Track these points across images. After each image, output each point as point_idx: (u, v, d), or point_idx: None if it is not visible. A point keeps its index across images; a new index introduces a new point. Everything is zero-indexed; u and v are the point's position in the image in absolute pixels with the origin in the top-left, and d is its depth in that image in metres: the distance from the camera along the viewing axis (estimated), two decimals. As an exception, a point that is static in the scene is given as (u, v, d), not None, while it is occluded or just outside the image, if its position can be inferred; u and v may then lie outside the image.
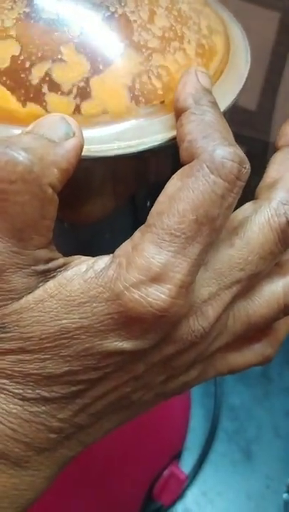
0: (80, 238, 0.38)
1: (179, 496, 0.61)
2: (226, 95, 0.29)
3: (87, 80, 0.27)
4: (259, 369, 0.68)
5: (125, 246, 0.25)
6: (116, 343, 0.25)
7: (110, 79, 0.27)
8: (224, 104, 0.29)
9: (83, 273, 0.25)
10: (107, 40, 0.27)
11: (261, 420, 0.66)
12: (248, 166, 0.25)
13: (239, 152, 0.25)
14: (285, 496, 0.62)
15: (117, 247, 0.26)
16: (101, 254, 0.26)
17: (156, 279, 0.24)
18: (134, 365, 0.26)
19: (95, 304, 0.25)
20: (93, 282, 0.25)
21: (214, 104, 0.27)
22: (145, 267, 0.24)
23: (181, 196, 0.25)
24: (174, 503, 0.61)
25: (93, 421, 0.28)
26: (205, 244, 0.25)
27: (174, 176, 0.25)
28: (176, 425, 0.60)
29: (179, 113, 0.27)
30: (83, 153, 0.26)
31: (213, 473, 0.64)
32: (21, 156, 0.24)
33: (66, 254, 0.27)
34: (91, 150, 0.27)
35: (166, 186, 0.25)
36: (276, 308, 0.28)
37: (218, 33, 0.31)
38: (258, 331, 0.30)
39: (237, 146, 0.25)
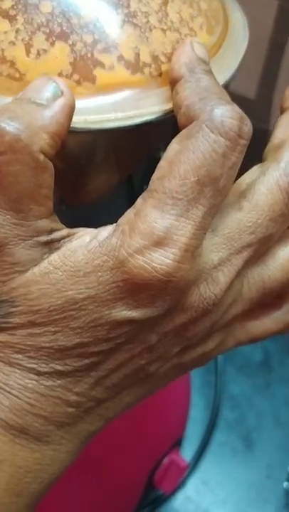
0: (76, 223, 0.38)
1: (180, 483, 0.60)
2: (224, 69, 0.29)
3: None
4: (260, 358, 0.68)
5: (128, 213, 0.25)
6: (124, 312, 0.25)
7: (105, 55, 0.27)
8: (222, 78, 0.28)
9: (87, 243, 0.25)
10: (104, 17, 0.27)
11: (262, 409, 0.66)
12: (248, 123, 0.25)
13: (238, 110, 0.25)
14: (285, 484, 0.62)
15: None
16: None
17: (159, 243, 0.24)
18: (146, 336, 0.26)
19: (100, 273, 0.24)
20: (97, 251, 0.25)
21: (209, 72, 0.27)
22: (148, 231, 0.24)
23: (181, 158, 0.24)
24: (174, 491, 0.61)
25: (111, 395, 0.27)
26: (209, 206, 0.24)
27: (173, 140, 0.25)
28: (176, 412, 0.60)
29: (173, 83, 0.27)
30: (81, 126, 0.26)
31: (213, 463, 0.63)
32: (7, 126, 0.24)
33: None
34: (88, 120, 0.26)
35: (166, 151, 0.25)
36: None
37: (216, 9, 0.31)
38: (276, 297, 0.29)
39: (235, 105, 0.25)
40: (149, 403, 0.54)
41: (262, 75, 0.59)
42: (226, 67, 0.29)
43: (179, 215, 0.24)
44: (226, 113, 0.24)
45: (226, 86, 0.29)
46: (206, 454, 0.63)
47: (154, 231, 0.24)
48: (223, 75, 0.29)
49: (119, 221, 0.25)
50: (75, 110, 0.26)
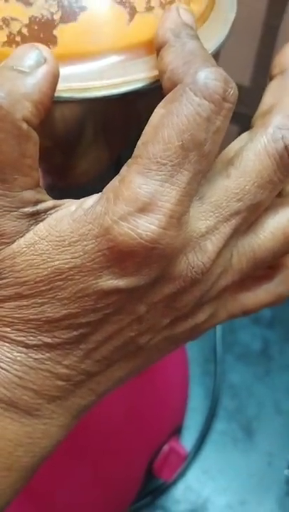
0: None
1: (180, 472, 0.60)
2: (212, 38, 0.28)
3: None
4: (259, 347, 0.68)
5: (113, 181, 0.25)
6: (111, 281, 0.25)
7: (89, 19, 0.27)
8: (210, 46, 0.28)
9: (72, 212, 0.25)
10: None
11: (262, 398, 0.66)
12: (234, 86, 0.24)
13: (223, 72, 0.24)
14: (286, 472, 0.62)
15: None
16: None
17: (144, 209, 0.24)
18: (135, 306, 0.26)
19: (85, 242, 0.24)
20: (82, 220, 0.24)
21: (195, 37, 0.26)
22: (132, 198, 0.24)
23: (165, 122, 0.24)
24: (175, 479, 0.60)
25: (102, 368, 0.27)
26: (194, 171, 0.24)
27: (158, 105, 0.25)
28: (174, 398, 0.59)
29: (159, 49, 0.26)
30: (65, 94, 0.26)
31: (214, 451, 0.63)
32: None
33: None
34: (73, 88, 0.26)
35: (151, 117, 0.25)
36: (282, 240, 0.27)
37: None
38: (268, 268, 0.29)
39: (221, 68, 0.24)
40: (147, 389, 0.54)
41: (255, 61, 0.59)
42: (213, 36, 0.29)
43: (163, 181, 0.24)
44: (209, 75, 0.24)
45: (215, 56, 0.28)
46: (206, 443, 0.63)
47: (138, 197, 0.24)
48: (210, 43, 0.28)
49: (104, 189, 0.25)
50: (60, 77, 0.25)
